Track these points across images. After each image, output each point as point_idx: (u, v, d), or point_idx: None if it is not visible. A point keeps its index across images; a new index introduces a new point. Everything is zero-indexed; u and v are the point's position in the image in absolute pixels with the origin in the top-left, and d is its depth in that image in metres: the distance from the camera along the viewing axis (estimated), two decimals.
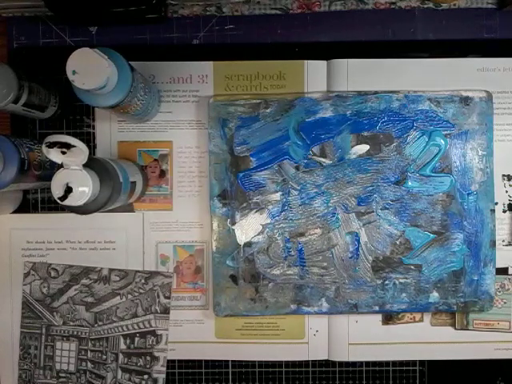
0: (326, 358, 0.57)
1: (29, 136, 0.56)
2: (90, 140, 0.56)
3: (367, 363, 0.57)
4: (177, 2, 0.55)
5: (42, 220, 0.57)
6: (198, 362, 0.57)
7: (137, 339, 0.56)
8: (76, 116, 0.57)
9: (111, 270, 0.56)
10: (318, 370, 0.57)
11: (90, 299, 0.56)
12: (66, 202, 0.41)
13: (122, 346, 0.56)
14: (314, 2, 0.56)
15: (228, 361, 0.57)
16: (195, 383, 0.57)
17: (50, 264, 0.56)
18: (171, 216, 0.56)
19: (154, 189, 0.57)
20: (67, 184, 0.41)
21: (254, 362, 0.57)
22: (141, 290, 0.56)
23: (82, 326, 0.56)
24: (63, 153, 0.40)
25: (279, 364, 0.57)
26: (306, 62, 0.55)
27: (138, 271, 0.56)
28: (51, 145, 0.40)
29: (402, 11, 0.56)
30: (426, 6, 0.56)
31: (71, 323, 0.57)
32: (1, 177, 0.45)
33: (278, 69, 0.55)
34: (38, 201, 0.57)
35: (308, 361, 0.57)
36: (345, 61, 0.55)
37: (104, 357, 0.56)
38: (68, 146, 0.40)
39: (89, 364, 0.57)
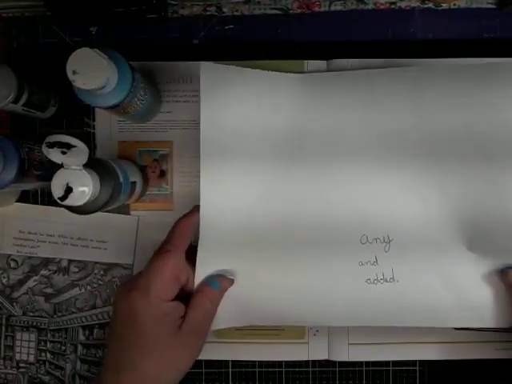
0: (326, 358, 0.56)
1: (29, 136, 0.56)
2: (89, 140, 0.56)
3: (367, 363, 0.57)
4: (177, 2, 0.55)
5: (38, 211, 0.56)
6: (198, 362, 0.57)
7: (96, 330, 0.56)
8: (76, 116, 0.57)
9: (70, 261, 0.56)
10: (318, 370, 0.57)
11: (49, 290, 0.56)
12: (66, 202, 0.41)
13: (81, 337, 0.56)
14: (314, 2, 0.56)
15: (228, 361, 0.57)
16: (195, 383, 0.57)
17: (10, 255, 0.56)
18: (171, 216, 0.55)
19: (154, 189, 0.57)
20: (67, 184, 0.41)
21: (254, 361, 0.57)
22: (100, 282, 0.56)
23: (42, 316, 0.56)
24: (63, 153, 0.40)
25: (279, 364, 0.57)
26: (305, 62, 0.55)
27: (97, 262, 0.56)
28: (51, 145, 0.40)
29: (401, 11, 0.56)
30: (425, 6, 0.56)
31: (31, 314, 0.57)
32: (1, 177, 0.45)
33: (278, 69, 0.55)
34: (38, 196, 0.57)
35: (308, 361, 0.57)
36: (345, 61, 0.55)
37: (63, 348, 0.57)
38: (68, 145, 0.40)
39: (48, 355, 0.57)
